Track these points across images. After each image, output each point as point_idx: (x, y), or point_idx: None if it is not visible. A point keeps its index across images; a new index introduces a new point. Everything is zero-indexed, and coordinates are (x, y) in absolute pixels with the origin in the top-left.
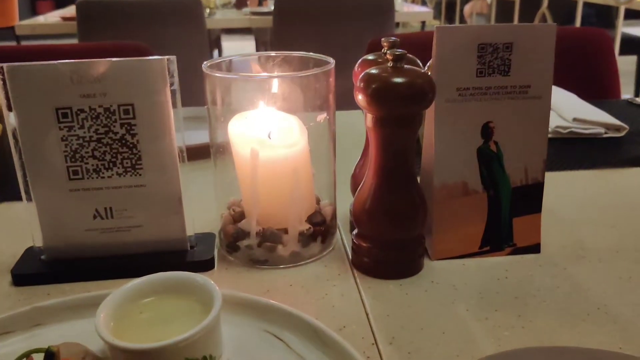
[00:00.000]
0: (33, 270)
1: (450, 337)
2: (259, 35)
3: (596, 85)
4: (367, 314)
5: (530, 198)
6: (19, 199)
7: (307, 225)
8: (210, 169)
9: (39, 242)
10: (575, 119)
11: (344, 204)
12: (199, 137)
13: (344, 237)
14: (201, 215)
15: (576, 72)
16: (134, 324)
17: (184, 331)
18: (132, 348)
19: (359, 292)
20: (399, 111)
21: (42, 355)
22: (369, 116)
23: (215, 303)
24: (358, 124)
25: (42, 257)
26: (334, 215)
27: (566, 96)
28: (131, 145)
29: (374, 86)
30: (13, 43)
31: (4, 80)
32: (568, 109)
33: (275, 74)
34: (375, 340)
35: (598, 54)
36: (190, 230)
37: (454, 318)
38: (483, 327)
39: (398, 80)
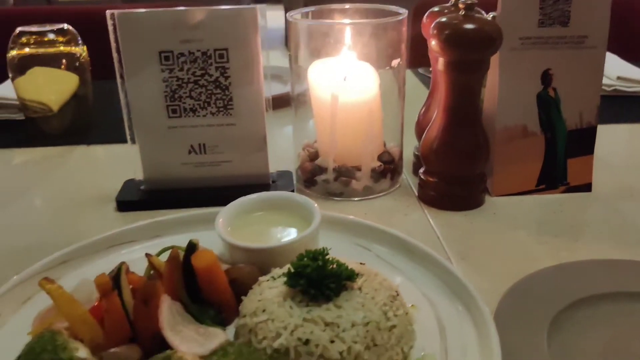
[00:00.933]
0: (134, 198)
1: (514, 256)
2: (288, 5)
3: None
4: (438, 237)
5: (583, 141)
6: (103, 142)
7: (378, 163)
8: (283, 117)
9: (138, 176)
10: (619, 78)
11: (408, 148)
12: (275, 89)
13: (408, 177)
14: (279, 155)
15: (620, 31)
16: (247, 231)
17: (285, 239)
18: (250, 247)
19: (429, 221)
20: (469, 56)
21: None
22: (441, 60)
23: (315, 217)
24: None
25: (142, 187)
26: (400, 156)
27: (610, 57)
28: (224, 87)
29: (447, 32)
30: (44, 5)
31: (114, 25)
32: (612, 68)
33: (353, 21)
34: (448, 257)
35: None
36: (271, 168)
37: (517, 242)
38: (543, 249)
39: (469, 26)
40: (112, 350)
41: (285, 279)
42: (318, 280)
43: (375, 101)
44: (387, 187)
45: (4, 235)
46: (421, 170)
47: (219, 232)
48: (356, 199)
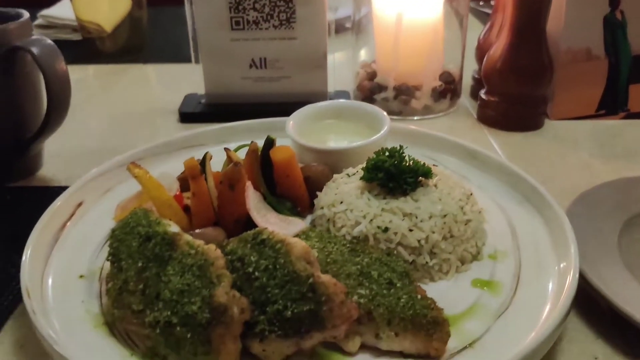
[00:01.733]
0: (196, 110)
1: (577, 172)
2: None
3: None
4: (499, 155)
5: None
6: (159, 61)
7: (439, 82)
8: (341, 42)
9: (199, 90)
10: None
11: (466, 73)
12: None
13: (466, 100)
14: (337, 78)
15: None
16: (317, 136)
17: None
18: (323, 148)
19: (489, 140)
20: None
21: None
22: None
23: (384, 124)
24: None
25: (202, 101)
26: (460, 77)
27: None
28: (287, 0)
29: None
30: None
31: None
32: None
33: None
34: None
35: None
36: (330, 87)
37: (579, 160)
38: (605, 168)
39: None
40: (199, 230)
41: (360, 175)
42: (396, 174)
43: (439, 21)
44: (445, 107)
45: (73, 138)
46: (482, 91)
47: (290, 134)
48: (415, 117)
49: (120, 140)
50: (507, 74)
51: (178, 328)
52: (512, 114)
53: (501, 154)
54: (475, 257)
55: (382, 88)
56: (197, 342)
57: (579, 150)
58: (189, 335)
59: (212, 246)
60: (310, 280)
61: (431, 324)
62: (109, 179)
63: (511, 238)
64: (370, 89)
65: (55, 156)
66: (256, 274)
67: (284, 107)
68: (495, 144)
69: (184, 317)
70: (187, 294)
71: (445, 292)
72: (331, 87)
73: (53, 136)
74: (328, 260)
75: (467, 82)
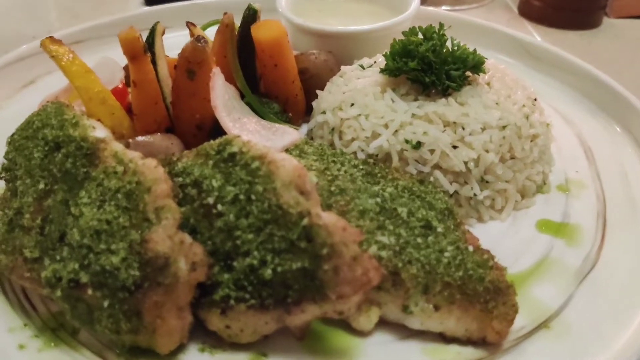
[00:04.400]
0: None
1: None
2: None
3: None
4: None
5: None
6: None
7: None
8: None
9: None
10: None
11: None
12: None
13: None
14: None
15: None
16: (319, 17)
17: None
18: (327, 30)
19: (537, 40)
20: None
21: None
22: None
23: (410, 4)
24: None
25: None
26: None
27: None
28: None
29: None
30: None
31: None
32: None
33: None
34: None
35: None
36: None
37: None
38: None
39: None
40: (142, 138)
41: (381, 67)
42: (436, 63)
43: None
44: None
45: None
46: None
47: (282, 11)
48: (443, 7)
49: (65, 24)
50: None
51: (90, 291)
52: (566, 7)
53: None
54: (541, 188)
55: None
56: (120, 314)
57: None
58: (106, 304)
59: (152, 161)
60: (305, 221)
61: (490, 293)
62: (31, 66)
63: (587, 161)
64: None
65: None
66: (219, 207)
67: None
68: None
69: (99, 274)
70: (107, 236)
71: (500, 239)
72: None
73: None
74: (332, 189)
75: None
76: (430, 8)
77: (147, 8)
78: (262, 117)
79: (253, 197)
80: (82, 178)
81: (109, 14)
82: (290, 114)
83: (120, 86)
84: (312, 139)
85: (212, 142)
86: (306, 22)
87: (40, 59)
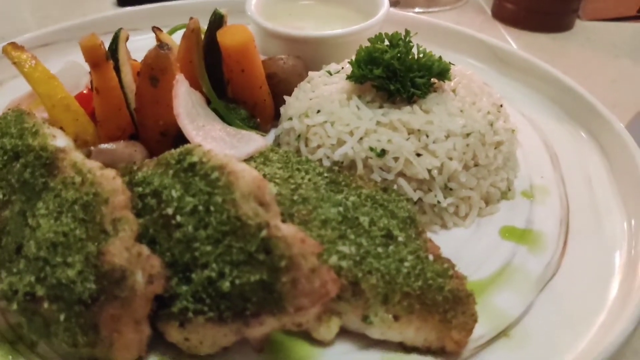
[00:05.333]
0: None
1: (619, 85)
2: None
3: None
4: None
5: None
6: None
7: None
8: None
9: None
10: None
11: None
12: None
13: None
14: None
15: None
16: (288, 21)
17: None
18: (295, 35)
19: (510, 43)
20: None
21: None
22: None
23: (380, 8)
24: None
25: None
26: None
27: None
28: None
29: None
30: None
31: None
32: None
33: None
34: None
35: None
36: None
37: (620, 68)
38: None
39: None
40: (105, 145)
41: (347, 73)
42: (401, 70)
43: None
44: None
45: None
46: None
47: (251, 14)
48: (416, 9)
49: (35, 25)
50: None
51: (46, 304)
52: (539, 9)
53: None
54: (505, 194)
55: None
56: (76, 327)
57: (622, 57)
58: (62, 317)
59: (111, 172)
60: (264, 232)
61: (449, 303)
62: None
63: (552, 167)
64: None
65: None
66: (178, 218)
67: None
68: (517, 47)
69: (55, 288)
70: (63, 249)
71: (463, 246)
72: None
73: None
74: (295, 197)
75: None
76: (400, 12)
77: (116, 10)
78: (229, 123)
79: (212, 208)
80: (40, 189)
81: (82, 15)
82: (258, 120)
83: (85, 91)
84: (279, 145)
85: (173, 151)
86: (275, 27)
87: (6, 63)
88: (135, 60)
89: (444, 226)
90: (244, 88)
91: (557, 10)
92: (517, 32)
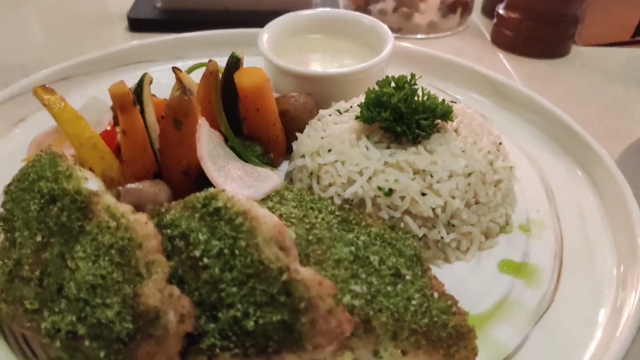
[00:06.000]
0: (150, 16)
1: (612, 113)
2: None
3: None
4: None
5: None
6: None
7: None
8: None
9: None
10: None
11: None
12: None
13: (477, 17)
14: None
15: None
16: (299, 56)
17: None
18: (307, 73)
19: (507, 68)
20: None
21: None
22: None
23: (387, 43)
24: None
25: (158, 5)
26: None
27: None
28: None
29: None
30: None
31: None
32: None
33: None
34: None
35: None
36: None
37: (613, 98)
38: None
39: None
40: (132, 185)
41: (356, 113)
42: (407, 113)
43: None
44: (454, 24)
45: None
46: (501, 6)
47: (263, 51)
48: (418, 36)
49: (54, 53)
50: None
51: (87, 342)
52: (535, 36)
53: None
54: (503, 228)
55: None
56: None
57: (615, 84)
58: (102, 354)
59: (142, 217)
60: (284, 276)
61: (453, 338)
62: (22, 104)
63: (547, 202)
64: None
65: None
66: (205, 261)
67: (257, 16)
68: (516, 75)
69: (95, 327)
70: (102, 290)
71: (464, 280)
72: None
73: None
74: (310, 237)
75: None
76: (405, 45)
77: (134, 43)
78: (246, 160)
79: (237, 251)
80: (77, 232)
81: (95, 40)
82: (271, 154)
83: (108, 128)
84: (292, 180)
85: (198, 194)
86: (287, 64)
87: (29, 97)
88: (154, 95)
89: (447, 260)
90: (259, 125)
91: (554, 37)
92: (516, 59)
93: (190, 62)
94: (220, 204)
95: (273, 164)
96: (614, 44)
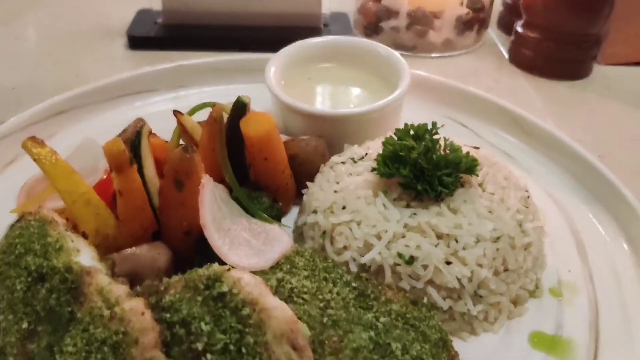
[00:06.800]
0: (150, 34)
1: None
2: None
3: None
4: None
5: None
6: None
7: (466, 10)
8: None
9: (155, 6)
10: None
11: None
12: None
13: (493, 33)
14: None
15: None
16: (309, 89)
17: (360, 104)
18: (319, 112)
19: (528, 91)
20: None
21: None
22: None
23: (403, 77)
24: None
25: (159, 20)
26: (491, 2)
27: None
28: None
29: None
30: None
31: None
32: None
33: None
34: None
35: None
36: (324, 8)
37: None
38: None
39: None
40: (129, 251)
41: (370, 161)
42: (428, 170)
43: None
44: (471, 42)
45: None
46: (519, 23)
47: (271, 86)
48: (433, 54)
49: (48, 76)
50: (555, 2)
51: None
52: (557, 57)
53: (543, 111)
54: (533, 293)
55: (391, 13)
56: None
57: None
58: None
59: (138, 305)
60: None
61: None
62: (12, 144)
63: (580, 260)
64: (376, 14)
65: None
66: (209, 357)
67: (262, 32)
68: (537, 98)
69: None
70: None
71: (492, 355)
72: (325, 8)
73: None
74: (325, 320)
75: (496, 8)
76: (423, 75)
77: (133, 73)
78: (252, 214)
79: (243, 349)
80: (67, 319)
81: (93, 59)
82: (280, 204)
83: (104, 176)
84: (301, 234)
85: (200, 273)
86: (295, 103)
87: (21, 136)
88: (154, 135)
89: (473, 333)
90: (267, 174)
91: (576, 58)
92: (535, 80)
93: (193, 91)
94: (225, 288)
95: (281, 215)
96: (638, 63)
